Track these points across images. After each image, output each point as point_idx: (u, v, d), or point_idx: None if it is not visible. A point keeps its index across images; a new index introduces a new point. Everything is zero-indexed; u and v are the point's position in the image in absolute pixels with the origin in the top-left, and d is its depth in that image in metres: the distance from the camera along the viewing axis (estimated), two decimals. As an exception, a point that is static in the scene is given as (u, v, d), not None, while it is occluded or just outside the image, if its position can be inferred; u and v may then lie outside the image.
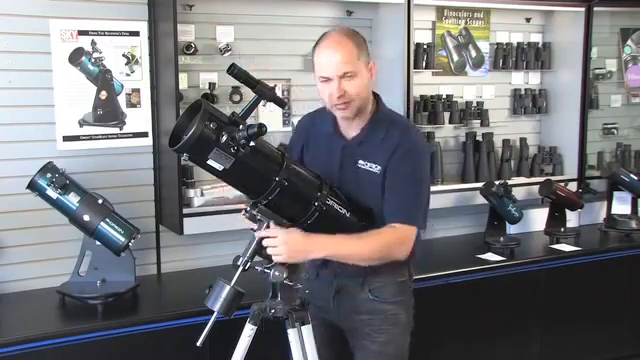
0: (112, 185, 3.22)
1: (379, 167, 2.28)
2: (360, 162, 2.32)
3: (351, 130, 2.35)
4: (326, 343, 2.44)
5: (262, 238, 2.13)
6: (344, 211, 2.23)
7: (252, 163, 2.02)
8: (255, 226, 2.16)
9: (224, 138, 1.91)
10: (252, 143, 1.94)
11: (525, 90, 4.45)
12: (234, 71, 2.02)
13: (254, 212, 2.13)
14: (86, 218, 2.85)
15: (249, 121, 2.00)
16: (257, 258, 2.17)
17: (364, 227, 2.25)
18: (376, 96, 2.37)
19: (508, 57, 4.33)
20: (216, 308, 2.07)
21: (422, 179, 2.33)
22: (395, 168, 2.26)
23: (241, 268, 2.11)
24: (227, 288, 2.07)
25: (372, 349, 2.41)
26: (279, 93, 3.59)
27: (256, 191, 2.10)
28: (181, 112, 3.09)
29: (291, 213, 2.16)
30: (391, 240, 2.25)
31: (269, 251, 2.13)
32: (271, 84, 2.13)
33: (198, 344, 2.09)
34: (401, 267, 2.41)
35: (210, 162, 1.95)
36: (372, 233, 2.23)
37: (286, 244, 2.12)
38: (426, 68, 4.01)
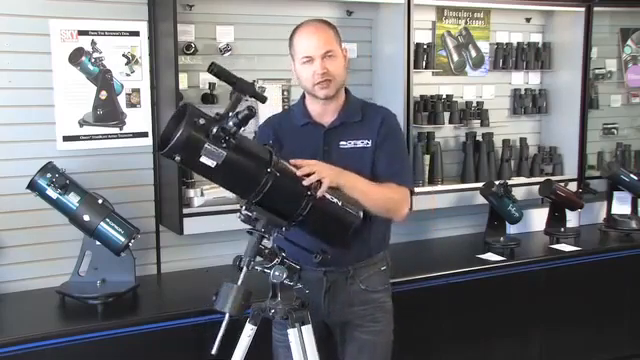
0: (112, 185, 3.22)
1: (367, 141, 2.44)
2: (342, 143, 2.45)
3: (326, 116, 2.47)
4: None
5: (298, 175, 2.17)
6: (336, 200, 2.24)
7: (243, 158, 2.03)
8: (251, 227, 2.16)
9: (214, 130, 1.94)
10: (243, 128, 1.97)
11: (525, 90, 4.45)
12: (214, 70, 2.04)
13: (249, 212, 2.12)
14: (86, 218, 2.85)
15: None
16: (257, 258, 2.16)
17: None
18: (346, 89, 2.54)
19: (508, 57, 4.32)
20: (227, 309, 2.04)
21: (406, 148, 2.70)
22: (386, 139, 2.45)
23: (245, 269, 2.10)
24: (235, 288, 2.05)
25: (365, 339, 2.50)
26: (279, 93, 3.58)
27: (248, 187, 2.10)
28: (181, 112, 3.13)
29: (285, 207, 2.16)
30: (400, 197, 2.43)
31: (312, 179, 2.16)
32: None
33: (213, 352, 2.05)
34: (382, 257, 2.56)
35: (203, 159, 1.95)
36: (387, 185, 2.39)
37: (324, 167, 2.23)
38: (426, 68, 4.01)
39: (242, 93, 2.06)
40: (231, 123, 1.96)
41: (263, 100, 2.16)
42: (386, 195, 2.39)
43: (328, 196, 2.21)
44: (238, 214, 2.16)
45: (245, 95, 2.06)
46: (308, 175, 2.18)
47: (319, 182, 2.18)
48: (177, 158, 1.96)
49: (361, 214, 2.30)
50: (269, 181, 2.06)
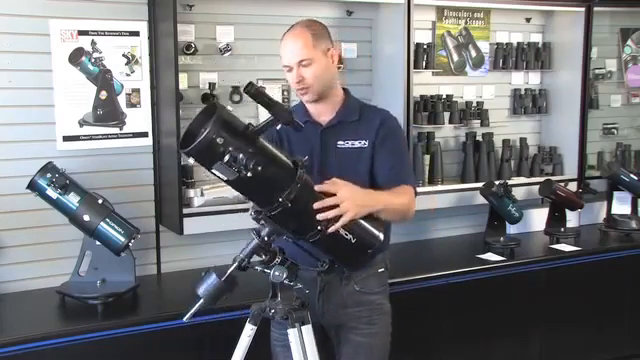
0: (112, 185, 3.22)
1: (365, 142, 2.43)
2: (339, 142, 2.44)
3: (324, 115, 2.47)
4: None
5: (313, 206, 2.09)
6: (350, 237, 2.18)
7: (256, 182, 1.97)
8: (258, 226, 2.15)
9: (226, 158, 1.88)
10: (249, 174, 1.90)
11: (525, 90, 4.45)
12: (251, 91, 1.96)
13: (259, 217, 2.11)
14: (86, 218, 2.85)
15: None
16: (256, 258, 2.16)
17: (366, 256, 2.26)
18: (345, 90, 2.53)
19: (508, 57, 4.32)
20: (202, 297, 2.07)
21: (407, 149, 2.67)
22: (387, 140, 2.44)
23: (236, 264, 2.10)
24: (215, 282, 2.06)
25: (360, 342, 2.47)
26: (279, 93, 3.58)
27: (259, 203, 2.09)
28: (181, 112, 3.14)
29: (294, 228, 2.15)
30: (410, 198, 2.42)
31: (329, 215, 2.09)
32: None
33: (184, 319, 2.09)
34: (381, 259, 2.52)
35: (214, 171, 1.93)
36: (397, 189, 2.37)
37: (351, 198, 2.14)
38: (426, 68, 4.00)
39: (277, 119, 1.98)
40: (240, 159, 1.89)
41: (298, 129, 2.10)
42: (402, 201, 2.37)
43: (342, 232, 2.16)
44: (250, 211, 2.14)
45: (280, 123, 1.99)
46: (331, 206, 2.10)
47: (325, 228, 2.11)
48: (190, 160, 1.95)
49: (382, 236, 2.25)
50: (279, 207, 2.02)
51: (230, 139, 1.88)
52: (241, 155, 1.88)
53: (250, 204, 2.18)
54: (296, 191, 2.02)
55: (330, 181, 2.18)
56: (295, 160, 2.09)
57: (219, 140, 1.86)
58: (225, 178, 1.94)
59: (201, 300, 2.07)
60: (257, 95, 1.97)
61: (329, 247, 2.21)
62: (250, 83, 1.95)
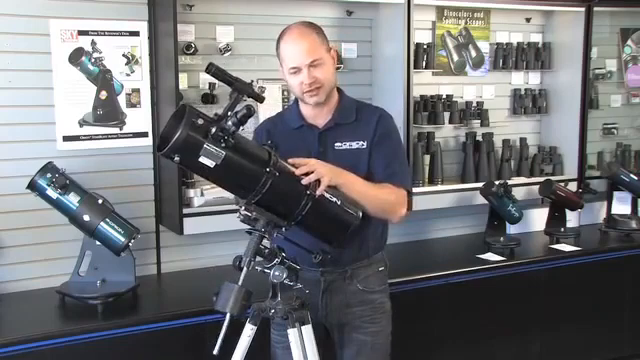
0: (112, 185, 3.22)
1: (363, 142, 2.43)
2: (337, 144, 2.44)
3: (320, 118, 2.46)
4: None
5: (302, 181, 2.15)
6: (335, 199, 2.23)
7: (242, 158, 2.04)
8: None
9: (214, 130, 1.94)
10: (242, 128, 1.97)
11: (525, 90, 4.45)
12: (212, 70, 2.04)
13: (248, 212, 2.12)
14: (86, 218, 2.85)
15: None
16: (257, 258, 2.17)
17: (358, 219, 2.28)
18: (339, 89, 2.52)
19: (508, 57, 4.33)
20: (228, 309, 2.04)
21: (403, 149, 2.63)
22: (383, 140, 2.44)
23: (245, 269, 2.10)
24: (236, 288, 2.05)
25: (363, 341, 2.48)
26: (279, 93, 3.59)
27: (248, 187, 2.10)
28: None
29: (284, 206, 2.17)
30: (397, 198, 2.41)
31: (311, 178, 2.15)
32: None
33: (215, 352, 2.04)
34: (380, 258, 2.55)
35: (202, 159, 1.96)
36: (385, 186, 2.38)
37: (322, 165, 2.21)
38: (426, 68, 4.01)
39: (240, 93, 2.05)
40: (230, 123, 1.96)
41: (261, 100, 2.16)
42: (383, 196, 2.37)
43: (327, 195, 2.21)
44: (237, 214, 2.16)
45: (243, 95, 2.06)
46: (307, 174, 2.16)
47: (318, 181, 2.17)
48: (176, 158, 1.97)
49: (360, 214, 2.29)
50: (268, 181, 2.07)
51: (207, 121, 1.97)
52: (230, 121, 1.96)
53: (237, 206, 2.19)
54: (276, 165, 2.09)
55: (296, 159, 2.23)
56: (262, 146, 2.18)
57: (199, 121, 1.94)
58: (213, 164, 1.97)
59: (227, 315, 2.05)
60: (218, 74, 2.06)
61: (320, 221, 2.22)
62: (210, 64, 2.04)
